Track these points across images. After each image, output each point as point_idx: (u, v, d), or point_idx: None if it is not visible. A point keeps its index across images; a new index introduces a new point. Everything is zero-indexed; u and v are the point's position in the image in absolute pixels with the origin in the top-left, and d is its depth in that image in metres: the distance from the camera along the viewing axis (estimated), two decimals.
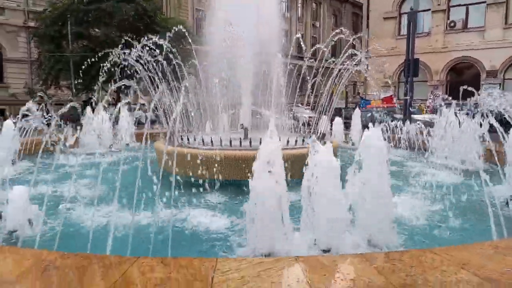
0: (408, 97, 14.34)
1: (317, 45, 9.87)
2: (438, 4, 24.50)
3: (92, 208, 4.21)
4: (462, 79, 24.67)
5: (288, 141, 6.22)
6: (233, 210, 4.43)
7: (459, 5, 24.06)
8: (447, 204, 4.76)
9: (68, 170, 6.49)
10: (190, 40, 9.30)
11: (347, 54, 8.52)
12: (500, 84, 22.63)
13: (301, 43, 8.65)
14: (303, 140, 6.32)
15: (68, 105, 4.46)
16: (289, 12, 48.30)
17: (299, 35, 8.52)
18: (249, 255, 3.11)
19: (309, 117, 11.89)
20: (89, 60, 11.36)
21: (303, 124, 10.25)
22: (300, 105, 13.51)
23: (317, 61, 9.83)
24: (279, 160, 3.28)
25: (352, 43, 12.73)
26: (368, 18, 28.07)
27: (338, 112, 29.43)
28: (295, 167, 4.19)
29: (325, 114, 9.53)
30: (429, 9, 25.09)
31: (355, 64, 8.36)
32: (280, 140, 5.84)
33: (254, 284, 2.11)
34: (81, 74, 14.81)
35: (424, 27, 25.74)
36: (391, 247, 3.31)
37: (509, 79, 22.68)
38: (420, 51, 24.36)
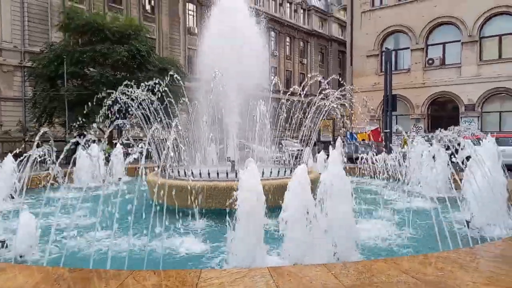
0: (388, 130, 15.07)
1: (305, 81, 10.49)
2: (417, 43, 25.97)
3: (91, 235, 4.63)
4: (443, 113, 25.78)
5: (270, 172, 6.73)
6: (217, 236, 4.87)
7: (436, 44, 25.54)
8: (415, 227, 5.29)
9: (65, 203, 6.88)
10: (180, 80, 9.90)
11: (336, 90, 9.21)
12: (478, 117, 23.70)
13: (278, 83, 9.31)
14: (284, 172, 6.84)
15: (70, 143, 4.94)
16: (277, 50, 50.15)
17: (275, 79, 9.15)
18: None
19: (297, 150, 12.46)
20: (87, 98, 11.85)
21: (292, 157, 10.80)
22: (289, 139, 14.15)
23: (303, 96, 10.50)
24: (259, 188, 3.80)
25: (338, 79, 13.52)
26: (352, 56, 29.48)
27: (326, 145, 30.19)
28: (275, 196, 4.70)
29: (309, 147, 10.14)
30: (409, 47, 26.55)
31: (339, 98, 9.04)
32: (263, 171, 6.38)
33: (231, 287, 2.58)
34: (76, 112, 15.35)
35: (404, 64, 27.11)
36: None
37: (486, 112, 23.78)
38: (402, 86, 25.61)
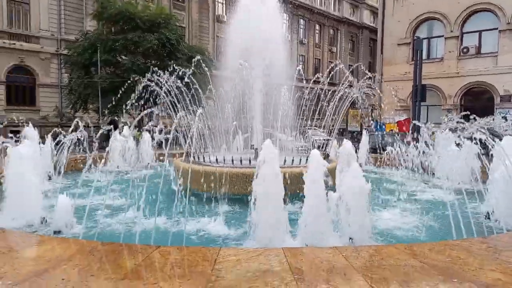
0: (416, 122, 14.76)
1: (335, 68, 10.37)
2: (451, 31, 25.05)
3: (122, 214, 4.97)
4: (476, 103, 24.90)
5: (287, 160, 6.86)
6: (238, 219, 5.11)
7: (472, 32, 24.56)
8: (436, 217, 5.33)
9: (99, 185, 7.31)
10: (207, 68, 10.08)
11: (363, 79, 9.16)
12: None
13: (302, 73, 9.34)
14: (300, 160, 6.96)
15: (103, 129, 5.27)
16: (306, 38, 49.56)
17: (299, 68, 9.16)
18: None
19: (323, 139, 12.48)
20: (119, 85, 12.31)
21: (319, 147, 10.87)
22: (316, 128, 14.17)
23: (326, 85, 10.47)
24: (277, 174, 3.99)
25: (363, 69, 13.42)
26: (382, 44, 28.80)
27: (354, 135, 29.85)
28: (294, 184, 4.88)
29: (334, 137, 10.19)
30: (442, 35, 25.67)
31: (363, 88, 9.00)
32: (285, 159, 6.53)
33: (246, 264, 2.79)
34: (110, 98, 15.92)
35: (437, 52, 26.26)
36: None
37: None
38: (434, 76, 24.89)
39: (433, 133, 19.74)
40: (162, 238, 4.13)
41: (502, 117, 22.65)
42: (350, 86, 8.13)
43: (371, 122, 26.04)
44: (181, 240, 4.00)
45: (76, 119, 6.34)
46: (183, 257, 2.96)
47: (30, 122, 7.52)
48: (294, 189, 4.76)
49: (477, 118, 6.52)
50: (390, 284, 2.45)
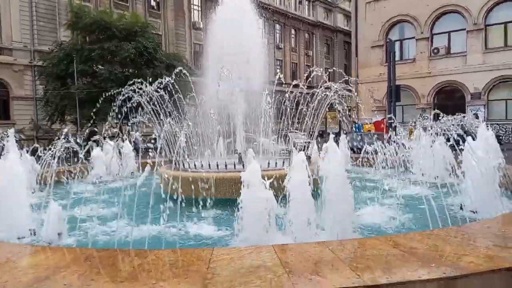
0: (392, 121, 15.31)
1: (313, 73, 10.66)
2: (422, 32, 25.99)
3: (110, 223, 5.04)
4: (449, 102, 25.85)
5: (275, 163, 7.08)
6: (225, 222, 5.25)
7: (441, 33, 25.56)
8: (413, 210, 5.61)
9: (83, 196, 7.31)
10: (187, 76, 10.18)
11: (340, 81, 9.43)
12: (484, 105, 23.77)
13: (281, 78, 9.60)
14: (282, 163, 7.17)
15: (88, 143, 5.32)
16: (282, 42, 50.17)
17: (279, 74, 9.41)
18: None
19: (304, 142, 12.75)
20: (97, 95, 12.27)
21: (300, 149, 11.10)
22: (296, 131, 14.44)
23: (305, 89, 10.73)
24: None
25: (344, 72, 13.78)
26: (357, 47, 29.58)
27: (334, 136, 30.42)
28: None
29: (314, 139, 10.44)
30: (414, 37, 26.59)
31: (339, 90, 9.28)
32: (268, 163, 6.72)
33: (239, 261, 2.94)
34: (86, 109, 15.77)
35: (409, 54, 27.19)
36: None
37: (492, 100, 23.84)
38: (407, 76, 25.73)
39: (411, 131, 20.41)
40: (155, 242, 4.24)
41: (474, 114, 23.61)
42: (327, 88, 8.40)
43: (352, 123, 26.65)
44: (174, 243, 4.11)
45: (64, 130, 6.34)
46: (178, 259, 3.09)
47: (11, 134, 7.43)
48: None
49: (446, 116, 6.89)
50: (374, 271, 2.65)
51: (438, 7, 25.06)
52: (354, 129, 24.20)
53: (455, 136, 6.28)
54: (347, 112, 29.30)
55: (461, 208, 5.45)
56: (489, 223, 3.83)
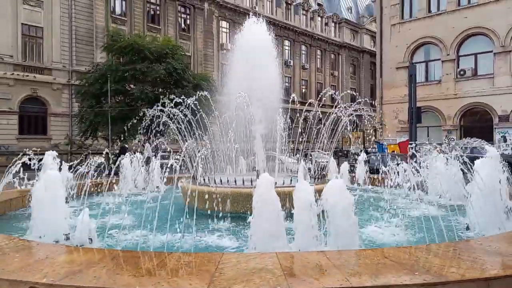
0: (413, 142, 15.33)
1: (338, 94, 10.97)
2: (447, 54, 25.92)
3: (136, 231, 5.54)
4: (476, 124, 25.44)
5: (290, 181, 7.44)
6: (240, 234, 5.65)
7: (468, 55, 25.41)
8: (421, 230, 5.83)
9: (112, 207, 7.89)
10: (209, 98, 10.69)
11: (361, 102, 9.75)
12: None
13: (295, 96, 10.02)
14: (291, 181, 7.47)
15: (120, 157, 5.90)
16: (308, 63, 50.80)
17: (293, 95, 9.84)
18: None
19: (326, 161, 13.03)
20: (128, 113, 13.09)
21: (321, 168, 11.40)
22: (319, 150, 14.75)
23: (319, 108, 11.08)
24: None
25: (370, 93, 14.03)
26: (381, 68, 29.73)
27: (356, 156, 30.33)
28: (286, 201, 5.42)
29: (332, 158, 10.71)
30: (439, 59, 26.53)
31: (354, 112, 9.58)
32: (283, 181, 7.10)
33: (244, 264, 3.34)
34: (119, 126, 16.69)
35: (435, 75, 27.06)
36: None
37: None
38: (433, 97, 25.61)
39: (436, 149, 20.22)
40: (173, 248, 4.68)
41: (501, 136, 23.14)
42: (345, 108, 8.73)
43: (374, 143, 26.61)
44: (190, 250, 4.55)
45: (106, 150, 6.98)
46: (191, 260, 3.52)
47: (51, 154, 8.23)
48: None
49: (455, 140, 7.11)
50: (362, 276, 2.99)
51: (464, 29, 25.01)
52: (378, 149, 24.15)
53: (464, 159, 6.49)
54: (374, 132, 29.34)
55: (467, 228, 5.62)
56: (482, 241, 4.05)
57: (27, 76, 27.34)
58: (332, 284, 2.84)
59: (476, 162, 5.91)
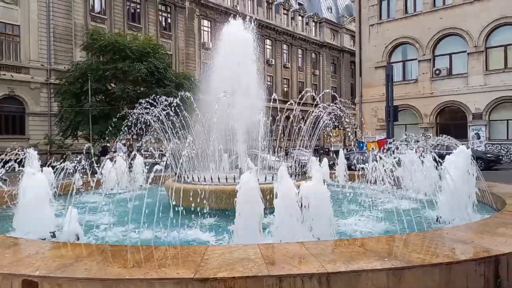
0: (391, 139, 15.86)
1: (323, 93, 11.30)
2: (424, 54, 26.71)
3: (121, 228, 5.68)
4: (451, 121, 26.34)
5: (272, 177, 7.67)
6: (222, 229, 5.86)
7: (443, 55, 26.26)
8: (394, 221, 6.16)
9: (95, 205, 7.97)
10: (192, 98, 10.81)
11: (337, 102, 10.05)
12: (485, 125, 24.19)
13: (275, 96, 10.27)
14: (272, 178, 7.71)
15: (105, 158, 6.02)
16: (289, 62, 51.23)
17: (274, 95, 10.11)
18: None
19: (307, 159, 13.32)
20: (109, 112, 13.09)
21: (302, 166, 11.68)
22: (301, 148, 15.05)
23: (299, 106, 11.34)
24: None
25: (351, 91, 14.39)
26: (361, 67, 30.39)
27: (337, 154, 30.95)
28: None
29: (312, 155, 11.03)
30: (416, 58, 27.31)
31: (331, 112, 9.89)
32: (265, 177, 7.32)
33: (228, 255, 3.55)
34: (100, 125, 16.62)
35: (412, 74, 27.87)
36: None
37: (494, 121, 24.26)
38: (410, 96, 26.34)
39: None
40: (159, 242, 4.86)
41: (475, 133, 24.04)
42: (326, 107, 9.03)
43: (355, 142, 27.16)
44: (176, 244, 4.73)
45: (87, 145, 7.05)
46: (177, 252, 3.71)
47: (33, 152, 8.22)
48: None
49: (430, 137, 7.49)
50: (337, 263, 3.25)
51: (439, 30, 25.83)
52: (358, 147, 24.70)
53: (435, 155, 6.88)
54: (354, 130, 29.97)
55: (437, 220, 5.99)
56: (448, 230, 4.39)
57: (4, 75, 26.76)
58: (309, 270, 3.09)
59: (446, 158, 6.28)
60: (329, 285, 3.00)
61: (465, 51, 25.20)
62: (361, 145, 25.09)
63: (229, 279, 2.97)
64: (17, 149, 7.13)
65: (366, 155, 17.57)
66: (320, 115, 9.12)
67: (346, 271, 3.07)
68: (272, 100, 9.85)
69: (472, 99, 24.55)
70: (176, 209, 5.60)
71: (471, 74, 24.87)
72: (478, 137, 23.76)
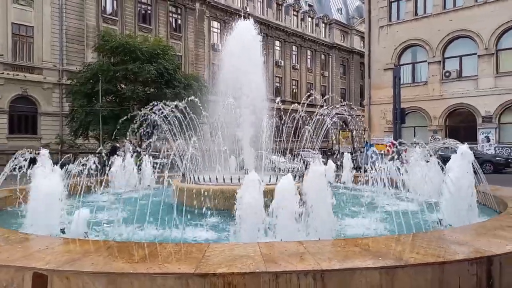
0: (397, 142, 15.84)
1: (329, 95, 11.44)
2: (433, 56, 26.56)
3: (129, 225, 5.87)
4: (461, 124, 26.14)
5: (276, 178, 7.80)
6: (225, 228, 6.00)
7: (453, 57, 26.08)
8: (396, 223, 6.24)
9: (104, 204, 8.18)
10: (200, 95, 11.04)
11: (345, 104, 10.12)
12: (495, 128, 23.96)
13: (279, 103, 10.38)
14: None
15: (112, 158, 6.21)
16: (298, 63, 51.26)
17: (278, 99, 10.22)
18: None
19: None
20: (119, 112, 13.34)
21: (307, 167, 11.72)
22: (310, 150, 15.14)
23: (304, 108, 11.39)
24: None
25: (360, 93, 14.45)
26: (370, 69, 30.31)
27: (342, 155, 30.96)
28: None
29: (324, 158, 11.09)
30: (426, 60, 27.18)
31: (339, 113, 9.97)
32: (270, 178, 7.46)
33: (228, 252, 3.69)
34: (110, 125, 16.93)
35: (421, 76, 27.72)
36: None
37: (504, 123, 24.02)
38: (419, 98, 26.22)
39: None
40: (163, 240, 5.02)
41: (485, 136, 23.84)
42: (333, 109, 9.12)
43: (364, 144, 27.15)
44: (179, 241, 4.88)
45: (100, 148, 7.26)
46: (180, 249, 3.86)
47: (45, 151, 8.46)
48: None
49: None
50: (332, 261, 3.37)
51: (449, 32, 25.67)
52: (366, 149, 24.68)
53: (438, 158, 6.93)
54: (362, 133, 29.93)
55: (438, 222, 6.05)
56: (445, 232, 4.47)
57: (17, 75, 27.33)
58: (304, 267, 3.21)
59: (449, 162, 6.33)
60: (324, 281, 3.12)
61: (475, 54, 25.00)
62: (369, 147, 25.08)
63: (228, 275, 3.11)
64: (32, 151, 7.36)
65: (374, 157, 17.59)
66: (325, 117, 9.21)
67: (340, 268, 3.19)
68: (278, 102, 9.97)
69: (482, 102, 24.34)
70: (181, 208, 5.77)
71: (481, 77, 24.67)
72: (488, 140, 23.55)
